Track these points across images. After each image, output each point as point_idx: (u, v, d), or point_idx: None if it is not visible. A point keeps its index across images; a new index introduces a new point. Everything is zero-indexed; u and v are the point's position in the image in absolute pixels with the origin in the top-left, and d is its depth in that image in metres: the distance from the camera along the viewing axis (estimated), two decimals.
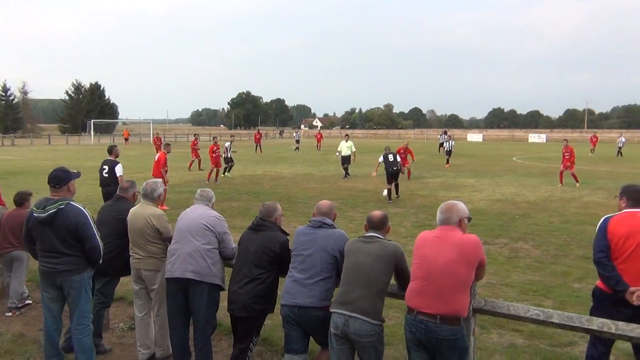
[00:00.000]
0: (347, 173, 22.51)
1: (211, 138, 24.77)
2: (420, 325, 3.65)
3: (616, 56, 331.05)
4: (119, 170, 11.69)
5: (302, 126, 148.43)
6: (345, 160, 22.72)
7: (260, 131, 42.50)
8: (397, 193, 16.53)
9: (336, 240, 4.29)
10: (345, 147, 22.67)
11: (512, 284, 7.78)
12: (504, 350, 5.59)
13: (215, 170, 20.85)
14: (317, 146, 47.31)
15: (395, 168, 16.04)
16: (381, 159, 16.60)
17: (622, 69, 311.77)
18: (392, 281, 4.12)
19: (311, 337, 4.40)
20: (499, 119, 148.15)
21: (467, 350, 3.80)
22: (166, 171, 15.34)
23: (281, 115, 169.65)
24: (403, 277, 4.02)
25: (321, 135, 50.63)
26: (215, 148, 20.80)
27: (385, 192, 16.41)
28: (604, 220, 4.40)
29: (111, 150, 12.12)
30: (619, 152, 39.24)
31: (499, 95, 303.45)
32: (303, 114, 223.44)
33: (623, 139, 41.38)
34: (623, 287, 4.08)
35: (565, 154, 20.38)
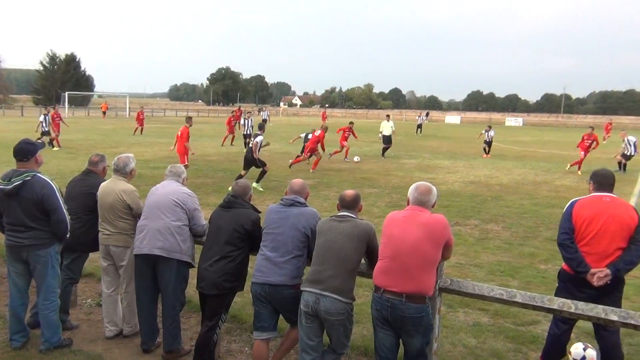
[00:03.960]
0: (384, 152, 23.25)
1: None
2: (387, 303, 3.71)
3: (594, 42, 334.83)
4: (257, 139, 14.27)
5: (282, 104, 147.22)
6: (387, 139, 23.38)
7: (240, 108, 41.90)
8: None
9: (308, 219, 4.31)
10: (388, 127, 23.39)
11: (480, 265, 7.93)
12: (469, 328, 5.72)
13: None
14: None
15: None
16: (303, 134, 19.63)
17: (599, 55, 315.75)
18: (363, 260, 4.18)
19: (281, 315, 4.44)
20: (477, 101, 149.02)
21: (432, 327, 3.87)
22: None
23: (261, 92, 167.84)
24: (374, 256, 4.05)
25: (325, 115, 48.16)
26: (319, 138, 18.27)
27: (356, 158, 20.26)
28: (571, 203, 4.50)
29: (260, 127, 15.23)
30: None
31: (478, 78, 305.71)
32: (283, 91, 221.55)
33: None
34: (585, 268, 4.19)
35: (587, 141, 19.64)
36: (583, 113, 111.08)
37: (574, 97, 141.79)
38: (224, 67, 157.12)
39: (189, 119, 15.82)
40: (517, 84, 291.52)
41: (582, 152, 19.65)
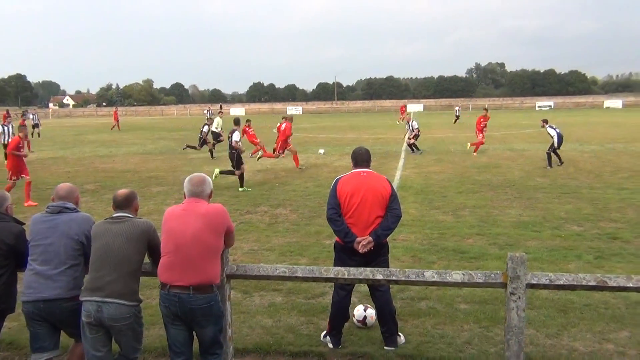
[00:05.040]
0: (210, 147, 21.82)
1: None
2: (174, 298, 3.67)
3: (358, 34, 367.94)
4: (235, 136, 13.70)
5: (51, 105, 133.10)
6: (216, 136, 22.51)
7: (8, 111, 36.40)
8: None
9: (80, 225, 4.02)
10: (219, 124, 23.09)
11: (272, 248, 8.27)
12: (265, 309, 5.94)
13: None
14: (117, 126, 41.48)
15: None
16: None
17: (363, 46, 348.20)
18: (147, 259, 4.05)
19: (62, 332, 4.09)
20: (259, 92, 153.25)
21: (223, 315, 3.94)
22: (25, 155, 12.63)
23: (23, 93, 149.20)
24: (157, 254, 3.96)
25: (117, 114, 43.78)
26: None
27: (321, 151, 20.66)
28: (335, 180, 4.95)
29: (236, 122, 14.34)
30: (457, 119, 42.32)
31: (259, 70, 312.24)
32: (51, 91, 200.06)
33: (458, 108, 45.96)
34: (351, 238, 4.66)
35: (483, 123, 20.52)
36: (353, 99, 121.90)
37: (344, 84, 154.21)
38: None
39: (22, 128, 13.28)
40: (295, 74, 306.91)
41: (481, 135, 20.51)
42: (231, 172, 13.89)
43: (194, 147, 22.02)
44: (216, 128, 22.92)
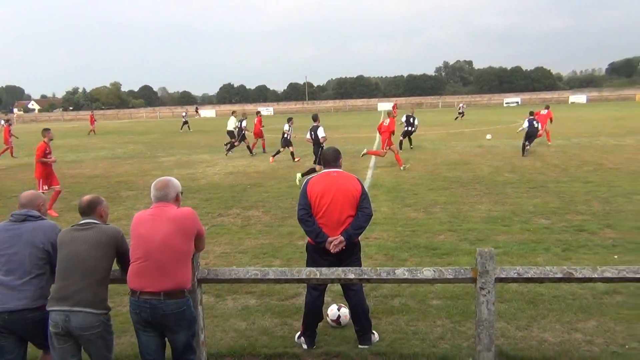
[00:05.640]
0: (231, 147, 22.49)
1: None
2: (145, 304, 3.62)
3: (329, 33, 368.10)
4: (321, 132, 15.22)
5: (16, 110, 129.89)
6: (230, 134, 23.07)
7: None
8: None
9: (46, 233, 3.92)
10: (232, 123, 23.27)
11: (245, 251, 8.22)
12: (239, 313, 5.90)
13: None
14: (92, 130, 40.97)
15: None
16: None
17: (334, 45, 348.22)
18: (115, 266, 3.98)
19: (30, 343, 3.99)
20: (230, 94, 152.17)
21: (195, 320, 3.90)
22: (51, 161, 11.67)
23: None
24: (125, 261, 3.90)
25: (93, 117, 43.38)
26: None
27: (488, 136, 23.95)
28: (306, 181, 4.95)
29: (315, 118, 15.87)
30: (462, 115, 43.19)
31: (229, 71, 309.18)
32: (15, 95, 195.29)
33: (462, 105, 47.51)
34: (323, 238, 4.66)
35: (547, 117, 21.14)
36: (324, 99, 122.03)
37: (315, 84, 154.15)
38: None
39: (46, 132, 11.85)
40: (265, 75, 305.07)
41: (545, 126, 21.12)
42: (313, 170, 13.86)
43: (233, 145, 22.25)
44: (234, 128, 23.06)
